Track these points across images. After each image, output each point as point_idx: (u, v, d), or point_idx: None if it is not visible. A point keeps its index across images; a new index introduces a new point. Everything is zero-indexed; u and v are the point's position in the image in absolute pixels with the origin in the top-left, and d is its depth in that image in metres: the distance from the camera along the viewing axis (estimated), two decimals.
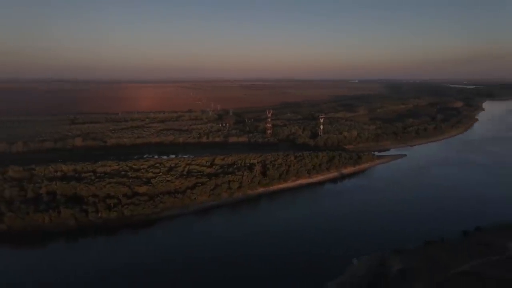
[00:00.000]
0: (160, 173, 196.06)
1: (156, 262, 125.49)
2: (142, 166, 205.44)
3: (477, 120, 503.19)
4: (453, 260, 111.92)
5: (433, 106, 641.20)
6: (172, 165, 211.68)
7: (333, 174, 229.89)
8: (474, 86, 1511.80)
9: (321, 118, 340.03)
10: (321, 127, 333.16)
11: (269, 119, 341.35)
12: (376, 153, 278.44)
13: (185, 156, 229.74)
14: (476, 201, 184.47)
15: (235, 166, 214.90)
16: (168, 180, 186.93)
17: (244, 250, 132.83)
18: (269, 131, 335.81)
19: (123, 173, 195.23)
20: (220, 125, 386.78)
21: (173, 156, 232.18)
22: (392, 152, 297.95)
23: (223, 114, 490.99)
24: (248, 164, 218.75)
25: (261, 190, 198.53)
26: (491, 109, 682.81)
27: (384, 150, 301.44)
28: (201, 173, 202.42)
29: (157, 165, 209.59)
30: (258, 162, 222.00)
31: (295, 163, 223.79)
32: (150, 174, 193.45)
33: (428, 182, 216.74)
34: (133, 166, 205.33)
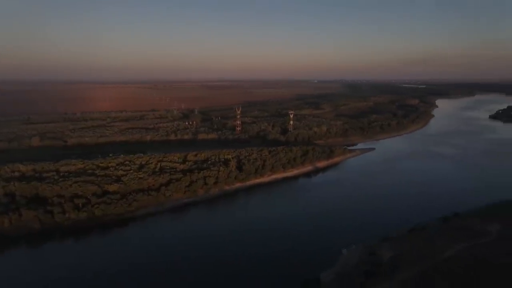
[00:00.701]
0: (131, 171, 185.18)
1: (131, 264, 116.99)
2: (110, 164, 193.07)
3: (433, 116, 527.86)
4: (441, 245, 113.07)
5: (393, 103, 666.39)
6: (143, 162, 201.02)
7: (307, 168, 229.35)
8: (425, 86, 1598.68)
9: (291, 114, 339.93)
10: (291, 123, 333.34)
11: (238, 116, 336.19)
12: (347, 147, 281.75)
13: (156, 154, 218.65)
14: (446, 190, 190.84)
15: (209, 162, 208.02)
16: (140, 178, 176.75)
17: (226, 248, 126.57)
18: (238, 128, 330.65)
19: (90, 171, 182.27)
20: (187, 123, 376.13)
21: (142, 154, 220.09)
22: (361, 146, 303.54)
23: (189, 113, 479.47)
24: (223, 160, 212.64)
25: (237, 185, 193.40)
26: (443, 106, 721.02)
27: (353, 145, 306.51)
28: (174, 169, 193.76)
29: (127, 162, 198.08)
30: (232, 158, 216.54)
31: (270, 158, 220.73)
32: (120, 172, 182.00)
33: (400, 174, 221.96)
34: (100, 165, 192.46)
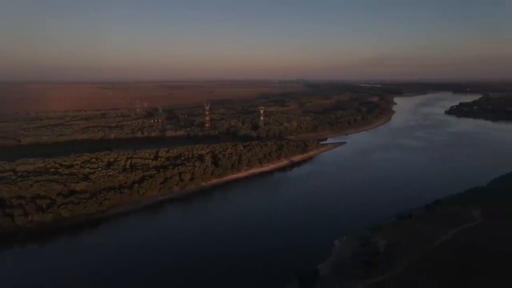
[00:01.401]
0: (99, 168, 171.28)
1: (103, 268, 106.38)
2: (75, 162, 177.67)
3: (394, 112, 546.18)
4: (432, 231, 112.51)
5: (354, 100, 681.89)
6: (111, 159, 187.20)
7: (284, 162, 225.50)
8: (380, 85, 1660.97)
9: (261, 110, 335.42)
10: (262, 118, 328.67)
11: (207, 112, 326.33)
12: (320, 142, 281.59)
13: (124, 151, 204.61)
14: (421, 179, 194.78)
15: (182, 157, 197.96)
16: (110, 175, 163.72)
17: (210, 247, 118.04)
18: (207, 125, 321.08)
19: (52, 170, 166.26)
20: (152, 121, 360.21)
21: (109, 151, 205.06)
22: (332, 140, 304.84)
23: (152, 111, 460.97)
24: (197, 155, 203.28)
25: (214, 181, 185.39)
26: (401, 103, 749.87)
27: (324, 139, 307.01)
28: (147, 166, 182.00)
29: (93, 160, 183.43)
30: (206, 153, 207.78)
31: (245, 153, 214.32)
32: (87, 170, 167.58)
33: (375, 166, 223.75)
34: (64, 163, 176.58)
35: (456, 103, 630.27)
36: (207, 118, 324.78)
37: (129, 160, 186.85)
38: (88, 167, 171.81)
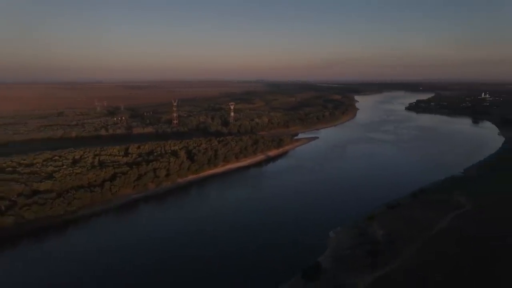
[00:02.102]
0: (64, 166, 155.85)
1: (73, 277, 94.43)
2: (36, 161, 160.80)
3: (358, 108, 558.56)
4: (427, 218, 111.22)
5: (318, 98, 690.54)
6: (76, 157, 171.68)
7: (260, 157, 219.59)
8: (338, 85, 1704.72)
9: (232, 105, 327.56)
10: (232, 114, 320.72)
11: (175, 109, 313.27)
12: (293, 137, 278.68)
13: (90, 148, 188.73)
14: (397, 169, 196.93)
15: (154, 153, 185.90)
16: (77, 173, 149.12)
17: (196, 247, 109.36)
18: (175, 121, 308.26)
19: (10, 169, 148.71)
20: (115, 119, 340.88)
21: (73, 148, 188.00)
22: (305, 135, 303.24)
23: (114, 110, 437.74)
24: (170, 151, 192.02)
25: (191, 177, 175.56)
26: (361, 100, 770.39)
27: (296, 134, 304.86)
28: (117, 163, 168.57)
29: (56, 158, 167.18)
30: (180, 149, 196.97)
31: (221, 148, 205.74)
32: (50, 169, 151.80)
33: (351, 158, 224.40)
34: (23, 161, 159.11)
35: (412, 100, 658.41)
36: (175, 115, 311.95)
37: (97, 157, 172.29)
38: (51, 165, 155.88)
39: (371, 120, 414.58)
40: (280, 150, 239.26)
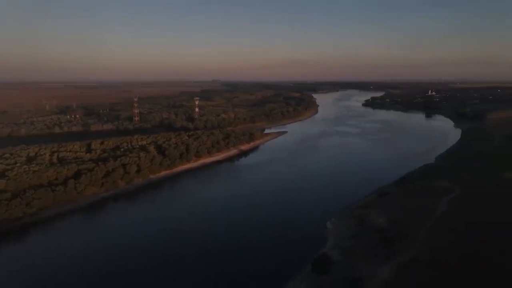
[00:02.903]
0: (18, 164, 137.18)
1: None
2: None
3: (318, 105, 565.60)
4: (423, 204, 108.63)
5: (278, 96, 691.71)
6: (31, 154, 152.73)
7: (233, 151, 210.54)
8: (293, 85, 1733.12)
9: (196, 100, 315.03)
10: (197, 110, 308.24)
11: (135, 105, 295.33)
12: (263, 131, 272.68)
13: (45, 145, 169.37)
14: (369, 160, 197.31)
15: (121, 149, 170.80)
16: (35, 171, 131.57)
17: (184, 247, 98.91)
18: (136, 118, 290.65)
19: None
20: (69, 116, 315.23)
21: (25, 145, 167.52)
22: (273, 130, 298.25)
23: (65, 109, 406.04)
24: (137, 146, 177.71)
25: (164, 173, 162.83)
26: (320, 98, 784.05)
27: (263, 129, 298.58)
28: (80, 159, 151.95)
29: (7, 155, 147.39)
30: (149, 143, 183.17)
31: (192, 142, 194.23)
32: (1, 167, 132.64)
33: (323, 150, 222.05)
34: None
35: (366, 98, 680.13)
36: (136, 111, 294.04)
37: (56, 154, 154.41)
38: (2, 163, 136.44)
39: (333, 115, 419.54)
40: (252, 144, 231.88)
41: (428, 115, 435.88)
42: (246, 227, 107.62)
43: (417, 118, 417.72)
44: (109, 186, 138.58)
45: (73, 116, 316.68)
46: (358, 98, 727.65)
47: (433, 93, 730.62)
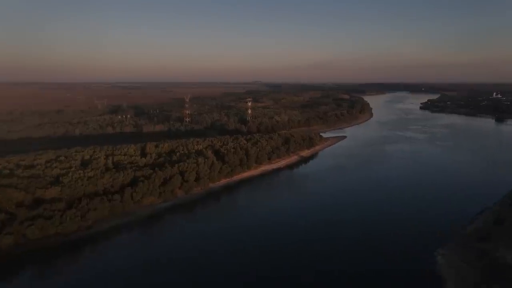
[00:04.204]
0: (73, 169, 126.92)
1: None
2: (37, 161, 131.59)
3: (372, 108, 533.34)
4: None
5: (327, 97, 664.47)
6: (86, 157, 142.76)
7: (293, 158, 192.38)
8: (337, 86, 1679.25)
9: (249, 101, 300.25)
10: (250, 111, 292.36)
11: (187, 105, 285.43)
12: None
13: (100, 146, 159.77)
14: (452, 170, 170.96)
15: (177, 153, 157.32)
16: (90, 177, 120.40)
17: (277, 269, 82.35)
18: (187, 119, 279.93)
19: (6, 172, 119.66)
20: (120, 116, 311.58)
21: (80, 147, 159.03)
22: (330, 134, 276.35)
23: (116, 109, 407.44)
24: (194, 151, 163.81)
25: (224, 181, 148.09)
26: (370, 100, 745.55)
27: (319, 134, 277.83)
28: (135, 164, 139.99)
29: (62, 158, 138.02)
30: (205, 148, 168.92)
31: (251, 147, 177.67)
32: (56, 171, 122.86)
33: (392, 158, 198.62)
34: (21, 162, 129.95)
35: (418, 101, 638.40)
36: (187, 112, 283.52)
37: (110, 158, 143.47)
38: (56, 167, 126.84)
39: (391, 119, 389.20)
40: (312, 150, 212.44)
41: (499, 120, 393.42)
42: (325, 257, 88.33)
43: (487, 123, 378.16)
44: (167, 196, 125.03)
45: (124, 116, 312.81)
46: (411, 101, 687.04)
47: (499, 95, 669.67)
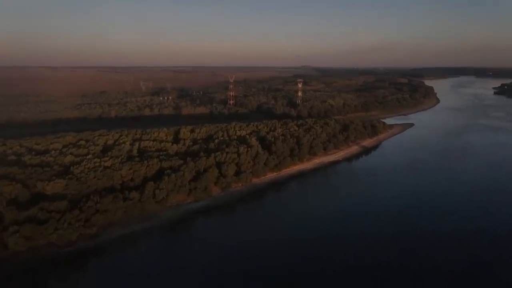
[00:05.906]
0: (89, 156, 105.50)
1: None
2: (53, 146, 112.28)
3: (436, 93, 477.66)
4: None
5: (382, 82, 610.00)
6: (109, 141, 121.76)
7: (354, 148, 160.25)
8: (389, 70, 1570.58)
9: (300, 82, 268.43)
10: (300, 94, 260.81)
11: (231, 86, 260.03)
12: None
13: (128, 130, 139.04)
14: None
15: (215, 140, 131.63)
16: (106, 167, 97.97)
17: None
18: (231, 101, 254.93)
19: (13, 159, 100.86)
20: (162, 98, 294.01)
21: (106, 130, 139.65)
22: (394, 121, 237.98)
23: (159, 91, 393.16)
24: (236, 137, 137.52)
25: (270, 175, 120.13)
26: (433, 85, 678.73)
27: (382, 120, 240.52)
28: (164, 152, 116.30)
29: (81, 143, 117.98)
30: (249, 134, 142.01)
31: (304, 134, 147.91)
32: (69, 158, 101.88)
33: (480, 151, 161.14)
34: (35, 147, 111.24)
35: (491, 85, 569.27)
36: (232, 93, 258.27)
37: (137, 143, 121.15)
38: (71, 153, 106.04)
39: (464, 105, 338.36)
40: (374, 139, 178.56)
41: None
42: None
43: None
44: (200, 194, 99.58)
45: (166, 97, 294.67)
46: (480, 85, 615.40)
47: None
